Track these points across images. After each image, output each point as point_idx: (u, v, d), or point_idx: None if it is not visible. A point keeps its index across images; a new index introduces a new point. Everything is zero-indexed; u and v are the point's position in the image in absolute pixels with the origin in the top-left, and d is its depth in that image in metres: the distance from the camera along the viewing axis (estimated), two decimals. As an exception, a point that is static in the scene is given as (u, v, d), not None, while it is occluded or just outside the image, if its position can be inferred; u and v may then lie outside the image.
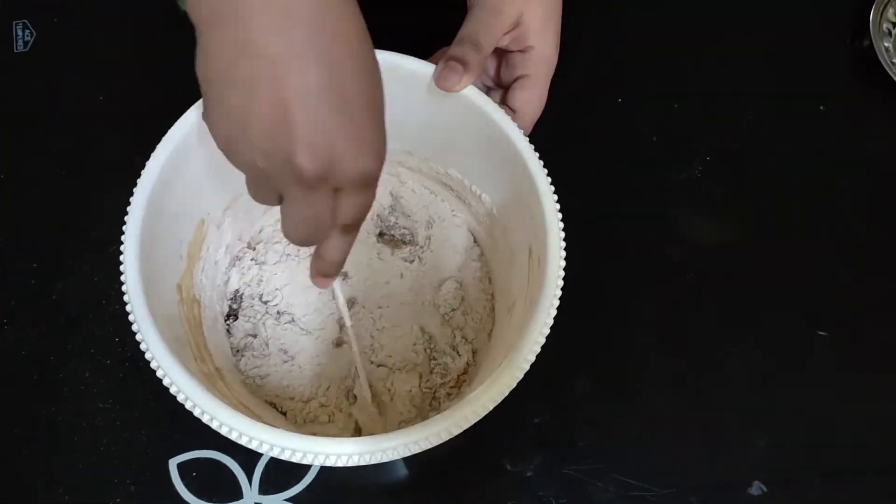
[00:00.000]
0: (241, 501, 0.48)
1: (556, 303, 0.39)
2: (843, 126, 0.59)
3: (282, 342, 0.49)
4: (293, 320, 0.49)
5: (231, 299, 0.50)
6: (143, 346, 0.37)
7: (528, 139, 0.42)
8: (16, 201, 0.55)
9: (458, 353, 0.49)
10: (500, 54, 0.47)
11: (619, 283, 0.54)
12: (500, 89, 0.48)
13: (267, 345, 0.49)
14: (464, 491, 0.49)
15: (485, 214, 0.49)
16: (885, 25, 0.60)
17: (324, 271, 0.38)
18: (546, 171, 0.41)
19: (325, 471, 0.49)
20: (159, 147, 0.41)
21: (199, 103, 0.41)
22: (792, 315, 0.54)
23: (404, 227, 0.52)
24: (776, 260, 0.55)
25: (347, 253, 0.37)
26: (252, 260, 0.51)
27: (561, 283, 0.39)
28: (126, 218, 0.40)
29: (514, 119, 0.44)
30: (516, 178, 0.42)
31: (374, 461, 0.36)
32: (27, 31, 0.60)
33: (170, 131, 0.41)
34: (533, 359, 0.38)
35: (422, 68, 0.43)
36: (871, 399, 0.52)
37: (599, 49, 0.61)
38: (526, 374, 0.38)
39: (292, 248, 0.51)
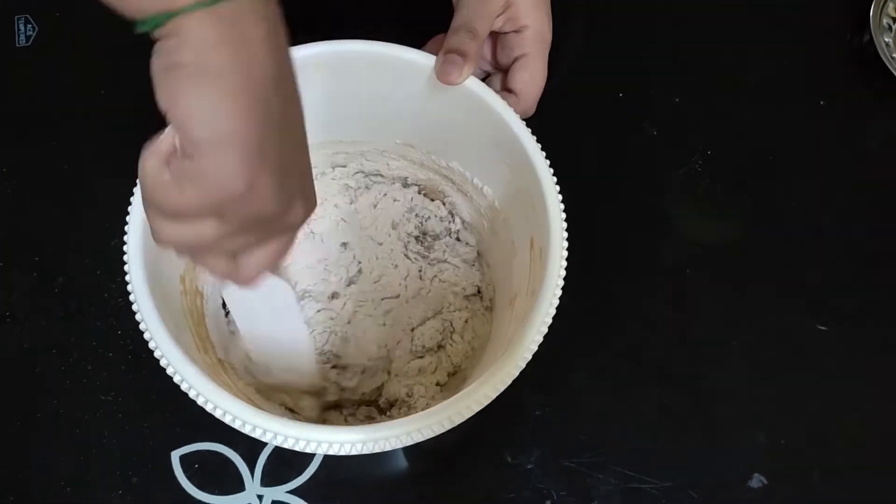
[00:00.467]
0: (243, 493, 0.48)
1: (559, 293, 0.39)
2: (843, 121, 0.59)
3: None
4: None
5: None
6: (146, 336, 0.37)
7: (529, 130, 0.42)
8: (17, 195, 0.55)
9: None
10: (495, 37, 0.47)
11: (619, 276, 0.54)
12: (499, 72, 0.48)
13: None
14: (464, 483, 0.49)
15: (486, 207, 0.49)
16: (885, 21, 0.60)
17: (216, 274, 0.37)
18: (548, 162, 0.41)
19: (326, 463, 0.49)
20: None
21: None
22: (792, 310, 0.54)
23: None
24: (776, 254, 0.56)
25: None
26: None
27: (563, 272, 0.39)
28: (129, 209, 0.40)
29: (516, 100, 0.44)
30: (518, 169, 0.42)
31: (376, 449, 0.36)
32: (29, 26, 0.60)
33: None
34: (535, 349, 0.38)
35: (422, 60, 0.43)
36: (871, 393, 0.52)
37: (600, 43, 0.61)
38: (526, 367, 0.38)
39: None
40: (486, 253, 0.52)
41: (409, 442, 0.36)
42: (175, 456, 0.49)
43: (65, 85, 0.59)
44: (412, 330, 0.49)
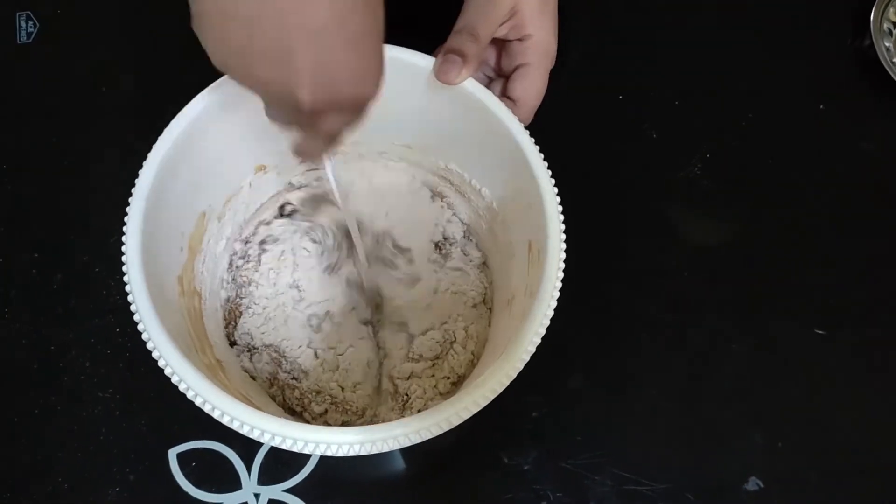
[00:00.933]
0: (239, 492, 0.48)
1: (557, 294, 0.39)
2: (843, 125, 0.59)
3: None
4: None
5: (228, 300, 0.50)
6: (145, 337, 0.37)
7: (528, 132, 0.42)
8: (17, 191, 0.55)
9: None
10: (500, 45, 0.47)
11: (618, 279, 0.54)
12: (501, 79, 0.48)
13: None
14: (461, 484, 0.50)
15: (485, 209, 0.49)
16: (885, 25, 0.60)
17: (304, 155, 0.39)
18: (546, 164, 0.41)
19: (323, 462, 0.49)
20: (161, 139, 0.41)
21: (200, 96, 0.42)
22: (790, 313, 0.54)
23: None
24: (774, 258, 0.56)
25: (325, 151, 0.38)
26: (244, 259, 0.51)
27: (561, 274, 0.39)
28: (127, 210, 0.40)
29: (514, 108, 0.44)
30: (516, 171, 0.42)
31: (374, 451, 0.36)
32: (30, 23, 0.60)
33: (171, 124, 0.41)
34: (533, 350, 0.38)
35: (421, 61, 0.43)
36: (868, 397, 0.52)
37: (600, 46, 0.61)
38: (524, 369, 0.38)
39: (290, 244, 0.51)
40: (485, 254, 0.52)
41: (407, 443, 0.36)
42: (172, 454, 0.49)
43: (65, 82, 0.59)
44: (412, 339, 0.50)
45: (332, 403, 0.48)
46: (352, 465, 0.49)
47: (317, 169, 0.52)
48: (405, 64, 0.43)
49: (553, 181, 0.41)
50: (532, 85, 0.46)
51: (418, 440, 0.36)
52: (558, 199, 0.41)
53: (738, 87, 0.60)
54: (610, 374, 0.52)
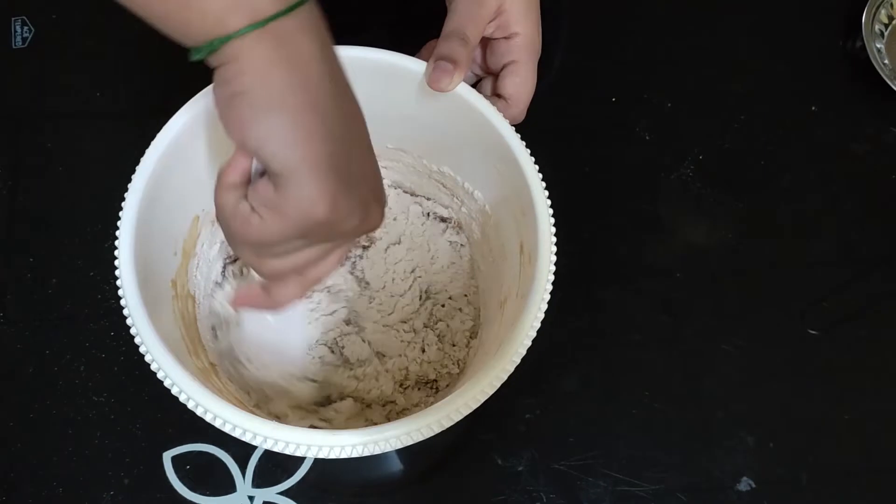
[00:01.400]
0: (234, 494, 0.49)
1: (547, 297, 0.39)
2: (834, 126, 0.60)
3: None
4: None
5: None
6: (137, 341, 0.38)
7: (519, 136, 0.42)
8: (12, 196, 0.56)
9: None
10: (485, 42, 0.48)
11: (610, 280, 0.55)
12: (490, 77, 0.48)
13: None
14: (455, 485, 0.50)
15: (477, 211, 0.50)
16: (877, 27, 0.61)
17: (281, 305, 0.39)
18: (537, 167, 0.41)
19: (317, 465, 0.49)
20: (154, 143, 0.41)
21: (194, 100, 0.42)
22: (783, 314, 0.54)
23: None
24: (767, 259, 0.56)
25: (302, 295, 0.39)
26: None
27: (552, 277, 0.40)
28: (121, 214, 0.40)
29: (507, 106, 0.44)
30: (508, 174, 0.43)
31: (366, 453, 0.36)
32: (26, 28, 0.60)
33: (164, 128, 0.41)
34: (524, 352, 0.38)
35: (413, 66, 0.43)
36: (859, 397, 0.53)
37: (594, 49, 0.61)
38: (517, 370, 0.39)
39: None
40: (477, 256, 0.52)
41: (400, 445, 0.36)
42: (167, 457, 0.49)
43: (61, 86, 0.59)
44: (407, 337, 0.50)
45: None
46: (346, 468, 0.50)
47: None
48: (397, 68, 0.43)
49: (544, 184, 0.41)
50: (523, 82, 0.46)
51: (411, 442, 0.36)
52: (549, 201, 0.41)
53: (731, 90, 0.60)
54: (603, 375, 0.52)
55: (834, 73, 0.61)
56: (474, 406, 0.37)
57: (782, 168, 0.58)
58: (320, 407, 0.48)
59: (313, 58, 0.31)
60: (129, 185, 0.40)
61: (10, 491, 0.48)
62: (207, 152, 0.44)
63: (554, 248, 0.40)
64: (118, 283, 0.38)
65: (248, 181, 0.34)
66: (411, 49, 0.45)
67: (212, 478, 0.49)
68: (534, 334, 0.39)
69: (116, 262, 0.39)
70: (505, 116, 0.43)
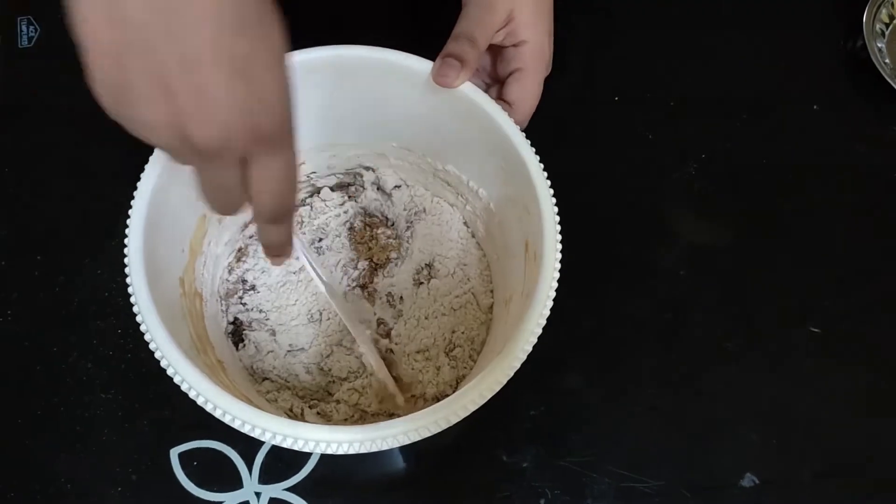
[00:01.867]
0: (241, 491, 0.49)
1: (553, 294, 0.40)
2: (836, 125, 0.60)
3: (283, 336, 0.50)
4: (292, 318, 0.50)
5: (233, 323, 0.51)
6: (147, 338, 0.38)
7: (524, 134, 0.43)
8: (19, 195, 0.56)
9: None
10: (495, 51, 0.48)
11: (614, 279, 0.55)
12: (497, 84, 0.49)
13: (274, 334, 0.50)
14: (460, 482, 0.50)
15: (482, 210, 0.50)
16: (878, 26, 0.61)
17: (271, 253, 0.37)
18: (542, 165, 0.42)
19: (323, 462, 0.50)
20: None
21: None
22: (785, 312, 0.55)
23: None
24: (769, 257, 0.56)
25: (288, 234, 0.36)
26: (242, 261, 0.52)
27: (557, 275, 0.40)
28: (130, 212, 0.40)
29: (510, 111, 0.44)
30: (513, 173, 0.43)
31: (373, 449, 0.36)
32: (31, 27, 0.60)
33: None
34: (529, 349, 0.39)
35: (419, 65, 0.44)
36: (862, 395, 0.53)
37: (596, 48, 0.61)
38: (522, 367, 0.39)
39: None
40: (484, 254, 0.52)
41: (406, 441, 0.37)
42: (174, 453, 0.49)
43: (67, 86, 0.59)
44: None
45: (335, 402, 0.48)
46: (352, 464, 0.50)
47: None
48: (403, 67, 0.44)
49: (549, 183, 0.42)
50: (527, 89, 0.47)
51: (417, 438, 0.37)
52: (554, 200, 0.41)
53: (733, 89, 0.61)
54: (607, 372, 0.52)
55: (835, 72, 0.62)
56: (479, 403, 0.38)
57: (784, 167, 0.59)
58: (320, 402, 0.48)
59: None
60: (138, 184, 0.41)
61: (19, 487, 0.49)
62: None
63: (559, 247, 0.40)
64: (128, 280, 0.39)
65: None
66: (417, 48, 0.45)
67: (218, 474, 0.49)
68: (539, 331, 0.39)
69: (126, 260, 0.39)
70: None
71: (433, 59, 0.44)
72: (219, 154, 0.29)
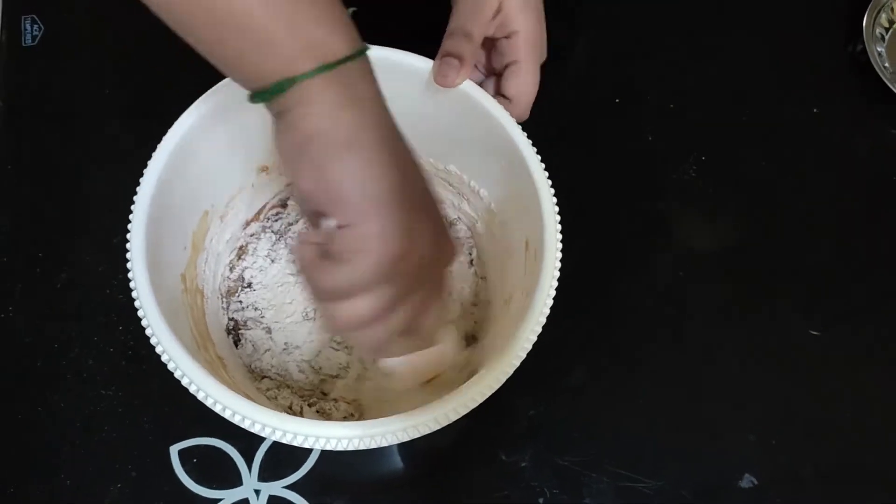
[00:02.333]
0: (240, 488, 0.49)
1: (553, 293, 0.40)
2: (836, 128, 0.60)
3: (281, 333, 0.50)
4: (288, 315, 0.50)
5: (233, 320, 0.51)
6: (148, 332, 0.38)
7: (525, 133, 0.43)
8: (22, 191, 0.56)
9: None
10: (489, 43, 0.48)
11: (613, 279, 0.55)
12: (494, 77, 0.49)
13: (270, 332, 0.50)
14: (459, 481, 0.50)
15: (483, 209, 0.50)
16: (878, 30, 0.61)
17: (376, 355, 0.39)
18: (543, 165, 0.42)
19: (323, 459, 0.50)
20: (165, 139, 0.42)
21: (203, 98, 0.42)
22: (784, 313, 0.55)
23: None
24: (769, 259, 0.56)
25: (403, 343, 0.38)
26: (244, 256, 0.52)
27: (557, 273, 0.40)
28: (132, 208, 0.40)
29: (510, 105, 0.44)
30: (514, 171, 0.43)
31: (371, 445, 0.37)
32: (35, 26, 0.61)
33: (175, 124, 0.42)
34: (529, 347, 0.39)
35: (419, 64, 0.44)
36: (861, 396, 0.53)
37: (597, 49, 0.62)
38: (521, 367, 0.39)
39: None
40: (483, 254, 0.52)
41: (405, 438, 0.37)
42: (174, 450, 0.49)
43: (70, 84, 0.60)
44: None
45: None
46: (351, 463, 0.50)
47: None
48: (403, 66, 0.44)
49: (550, 182, 0.42)
50: (525, 81, 0.47)
51: (415, 435, 0.37)
52: (554, 199, 0.41)
53: (733, 91, 0.61)
54: (606, 372, 0.53)
55: (835, 76, 0.62)
56: (479, 401, 0.38)
57: (784, 169, 0.59)
58: (319, 400, 0.48)
59: (375, 99, 0.32)
60: (140, 180, 0.41)
61: (19, 483, 0.49)
62: (217, 148, 0.45)
63: (559, 246, 0.40)
64: (130, 275, 0.39)
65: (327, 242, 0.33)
66: (413, 48, 0.45)
67: (218, 471, 0.49)
68: (539, 330, 0.39)
69: (128, 256, 0.39)
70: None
71: (430, 56, 0.44)
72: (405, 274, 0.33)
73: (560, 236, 0.41)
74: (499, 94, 0.47)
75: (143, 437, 0.50)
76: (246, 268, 0.51)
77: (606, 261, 0.55)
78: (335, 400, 0.48)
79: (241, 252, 0.52)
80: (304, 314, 0.50)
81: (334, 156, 0.30)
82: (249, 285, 0.51)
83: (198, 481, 0.49)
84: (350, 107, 0.31)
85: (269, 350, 0.49)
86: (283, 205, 0.53)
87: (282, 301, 0.50)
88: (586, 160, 0.58)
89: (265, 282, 0.51)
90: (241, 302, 0.50)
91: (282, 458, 0.50)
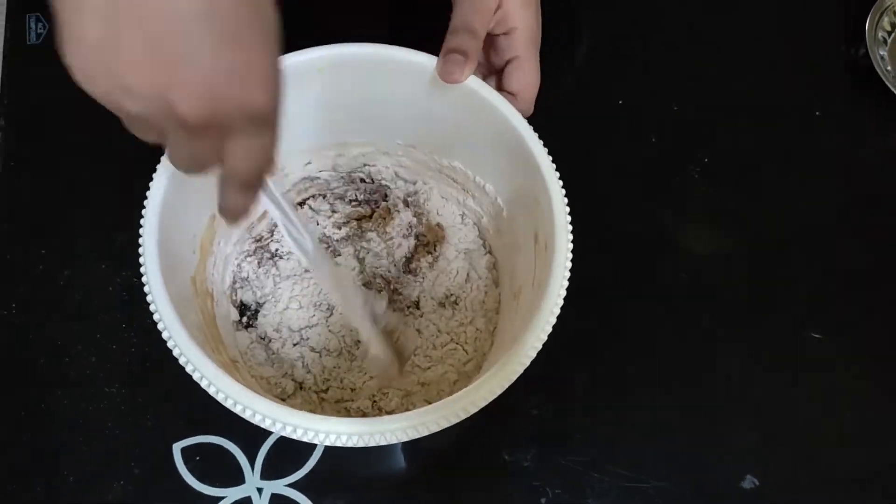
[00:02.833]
0: (243, 486, 0.49)
1: (566, 283, 0.40)
2: (838, 132, 0.60)
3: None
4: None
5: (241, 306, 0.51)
6: (165, 335, 0.38)
7: (531, 126, 0.43)
8: (25, 189, 0.56)
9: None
10: (488, 40, 0.48)
11: (616, 280, 0.55)
12: (493, 74, 0.49)
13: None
14: (462, 481, 0.50)
15: (489, 204, 0.50)
16: (880, 34, 0.61)
17: (229, 216, 0.35)
18: (550, 157, 0.42)
19: (326, 458, 0.50)
20: None
21: None
22: (786, 317, 0.55)
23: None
24: (771, 262, 0.56)
25: (250, 204, 0.34)
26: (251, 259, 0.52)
27: (569, 264, 0.40)
28: (143, 212, 0.40)
29: (514, 101, 0.44)
30: (521, 165, 0.43)
31: (373, 443, 0.36)
32: (40, 24, 0.61)
33: None
34: (539, 347, 0.39)
35: (423, 60, 0.44)
36: (862, 399, 0.53)
37: (599, 50, 0.62)
38: (525, 367, 0.39)
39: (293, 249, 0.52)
40: (490, 248, 0.52)
41: (415, 435, 0.36)
42: (176, 448, 0.49)
43: (74, 82, 0.59)
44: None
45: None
46: (354, 461, 0.50)
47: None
48: (406, 64, 0.44)
49: (558, 174, 0.42)
50: (527, 77, 0.47)
51: (426, 432, 0.36)
52: (563, 191, 0.41)
53: (736, 94, 0.61)
54: (609, 372, 0.53)
55: (837, 79, 0.62)
56: (489, 399, 0.38)
57: (786, 172, 0.59)
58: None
59: None
60: (151, 184, 0.40)
61: (21, 481, 0.49)
62: None
63: (570, 237, 0.40)
64: (143, 279, 0.39)
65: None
66: (416, 44, 0.45)
67: (221, 469, 0.49)
68: (549, 329, 0.39)
69: (141, 260, 0.39)
70: None
71: (430, 51, 0.44)
72: (202, 128, 0.28)
73: (570, 227, 0.41)
74: (501, 90, 0.47)
75: (145, 435, 0.50)
76: (253, 267, 0.51)
77: (609, 262, 0.55)
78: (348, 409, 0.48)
79: (247, 254, 0.52)
80: (314, 311, 0.50)
81: None
82: (255, 289, 0.51)
83: (200, 479, 0.49)
84: None
85: (275, 353, 0.49)
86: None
87: (289, 296, 0.50)
88: (588, 162, 0.58)
89: (270, 278, 0.51)
90: (247, 304, 0.51)
91: (284, 457, 0.49)
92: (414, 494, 0.50)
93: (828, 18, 0.63)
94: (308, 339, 0.50)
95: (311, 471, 0.49)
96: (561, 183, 0.41)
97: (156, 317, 0.38)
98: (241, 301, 0.51)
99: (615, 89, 0.60)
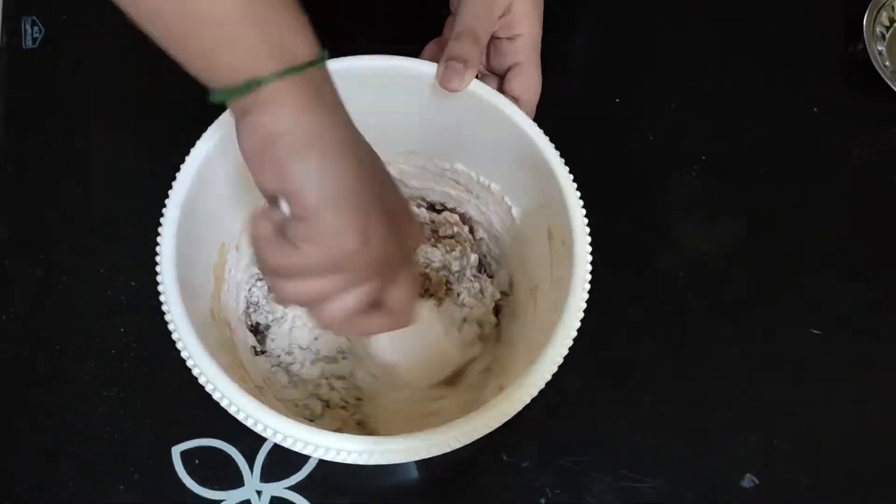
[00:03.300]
0: (242, 489, 0.49)
1: (589, 277, 0.40)
2: (836, 128, 0.60)
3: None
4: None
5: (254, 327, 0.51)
6: (190, 364, 0.37)
7: (536, 124, 0.43)
8: (23, 194, 0.56)
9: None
10: (490, 41, 0.48)
11: (615, 280, 0.55)
12: (493, 76, 0.49)
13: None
14: (460, 481, 0.50)
15: (494, 203, 0.50)
16: (878, 29, 0.61)
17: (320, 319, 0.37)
18: (558, 152, 0.42)
19: (323, 461, 0.49)
20: (183, 169, 0.41)
21: (216, 125, 0.41)
22: (786, 314, 0.55)
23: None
24: (770, 259, 0.56)
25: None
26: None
27: (590, 257, 0.40)
28: (158, 240, 0.39)
29: (518, 105, 0.44)
30: (528, 162, 0.43)
31: (382, 462, 0.36)
32: (36, 28, 0.61)
33: (190, 156, 0.41)
34: (566, 352, 0.39)
35: (423, 69, 0.43)
36: (862, 396, 0.53)
37: (597, 49, 0.62)
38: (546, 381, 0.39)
39: None
40: (499, 248, 0.52)
41: (424, 456, 0.37)
42: (176, 451, 0.49)
43: (71, 86, 0.60)
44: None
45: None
46: (352, 464, 0.50)
47: None
48: (407, 73, 0.44)
49: (567, 168, 0.42)
50: (530, 82, 0.47)
51: (447, 450, 0.37)
52: (575, 184, 0.41)
53: (734, 91, 0.61)
54: (608, 372, 0.53)
55: (836, 75, 0.62)
56: (518, 408, 0.38)
57: (784, 169, 0.59)
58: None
59: (335, 103, 0.33)
60: (164, 211, 0.40)
61: (20, 485, 0.49)
62: (227, 179, 0.44)
63: (587, 229, 0.41)
64: (164, 308, 0.38)
65: (286, 222, 0.33)
66: (411, 50, 0.45)
67: (220, 472, 0.49)
68: (574, 334, 0.40)
69: (160, 288, 0.38)
70: None
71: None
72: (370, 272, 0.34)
73: (586, 220, 0.41)
74: (503, 94, 0.47)
75: (144, 438, 0.50)
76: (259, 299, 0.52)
77: (607, 261, 0.55)
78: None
79: (259, 276, 0.52)
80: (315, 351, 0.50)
81: (296, 155, 0.31)
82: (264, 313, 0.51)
83: (200, 482, 0.49)
84: (313, 109, 0.31)
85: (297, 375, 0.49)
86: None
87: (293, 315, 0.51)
88: (586, 160, 0.57)
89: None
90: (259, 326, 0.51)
91: (283, 460, 0.50)
92: (412, 495, 0.50)
93: (826, 14, 0.63)
94: (319, 350, 0.50)
95: (310, 473, 0.49)
96: (572, 177, 0.41)
97: (179, 345, 0.37)
98: (256, 322, 0.51)
99: (614, 88, 0.60)
